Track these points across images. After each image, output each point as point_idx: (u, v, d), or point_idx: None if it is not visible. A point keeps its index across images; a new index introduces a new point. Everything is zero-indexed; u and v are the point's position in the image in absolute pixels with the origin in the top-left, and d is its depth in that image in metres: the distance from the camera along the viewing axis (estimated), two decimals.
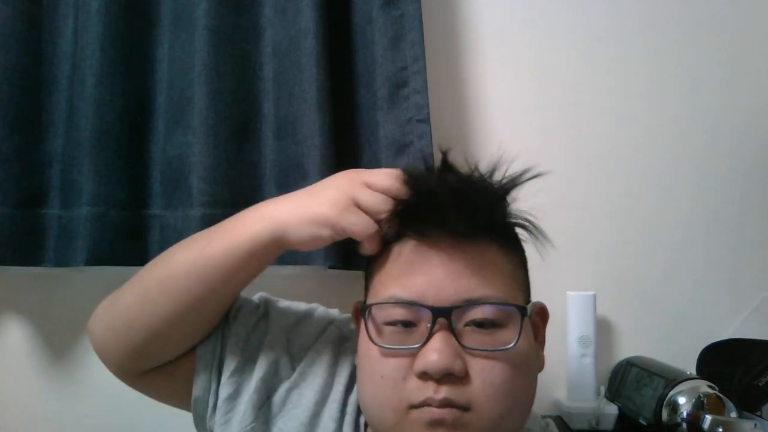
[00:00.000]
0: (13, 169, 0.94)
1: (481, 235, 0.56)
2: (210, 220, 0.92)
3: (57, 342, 1.02)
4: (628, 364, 1.00)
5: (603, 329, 1.05)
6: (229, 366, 0.65)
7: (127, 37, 0.96)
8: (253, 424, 0.62)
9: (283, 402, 0.64)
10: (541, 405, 1.02)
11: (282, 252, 0.62)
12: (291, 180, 0.95)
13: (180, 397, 0.67)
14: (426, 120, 0.94)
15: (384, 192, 0.58)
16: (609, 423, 0.94)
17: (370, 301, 0.59)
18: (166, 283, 0.62)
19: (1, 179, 0.94)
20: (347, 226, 0.57)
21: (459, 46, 1.07)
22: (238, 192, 0.95)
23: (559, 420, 0.97)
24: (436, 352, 0.53)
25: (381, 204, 0.57)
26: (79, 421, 1.01)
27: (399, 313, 0.56)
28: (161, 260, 0.65)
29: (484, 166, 0.60)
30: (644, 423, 0.89)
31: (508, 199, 0.59)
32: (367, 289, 0.62)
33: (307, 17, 0.93)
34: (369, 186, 0.58)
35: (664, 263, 1.07)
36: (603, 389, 1.02)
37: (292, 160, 0.95)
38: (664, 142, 1.09)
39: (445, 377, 0.53)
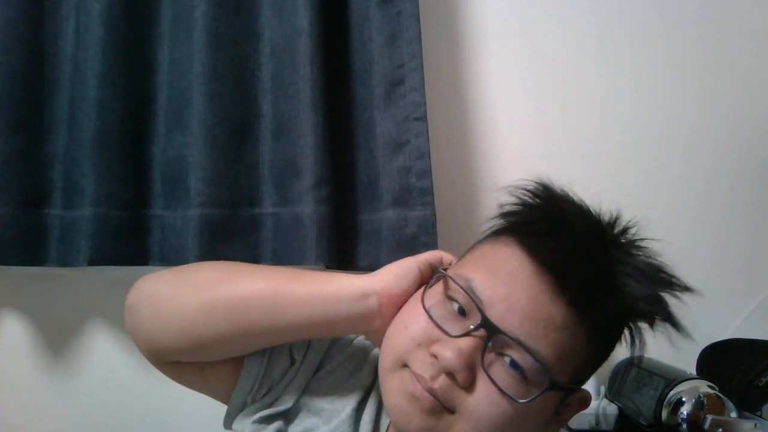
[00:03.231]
0: (16, 169, 0.95)
1: (584, 300, 0.53)
2: (208, 220, 0.93)
3: (57, 341, 1.03)
4: (628, 364, 0.99)
5: None
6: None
7: (129, 39, 0.97)
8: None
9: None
10: None
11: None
12: (286, 180, 0.95)
13: (205, 388, 0.67)
14: (423, 118, 0.93)
15: None
16: (609, 423, 0.94)
17: (453, 269, 0.58)
18: (237, 304, 0.60)
19: (3, 180, 0.94)
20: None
21: (456, 43, 1.07)
22: (236, 192, 0.95)
23: None
24: (456, 351, 0.52)
25: None
26: (79, 421, 1.01)
27: (462, 297, 0.55)
28: (234, 276, 0.63)
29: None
30: (644, 423, 0.89)
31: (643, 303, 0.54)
32: (463, 256, 0.61)
33: (302, 17, 0.93)
34: None
35: None
36: (603, 389, 1.01)
37: (287, 159, 0.95)
38: (664, 143, 1.09)
39: (448, 375, 0.52)
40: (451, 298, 0.56)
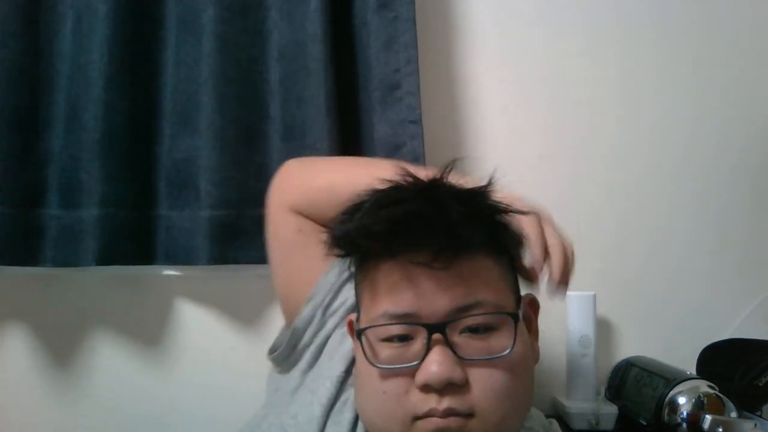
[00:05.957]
0: (11, 168, 0.94)
1: (466, 248, 0.56)
2: (217, 221, 0.95)
3: (57, 342, 1.02)
4: (628, 364, 0.99)
5: (603, 329, 1.05)
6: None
7: (134, 41, 0.97)
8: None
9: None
10: (541, 405, 1.02)
11: None
12: None
13: (296, 246, 0.77)
14: (418, 121, 0.95)
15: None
16: (609, 423, 0.94)
17: (363, 322, 0.59)
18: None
19: None
20: None
21: (452, 48, 1.08)
22: (245, 194, 0.97)
23: (559, 420, 0.97)
24: (435, 364, 0.53)
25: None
26: (78, 421, 1.01)
27: (394, 329, 0.56)
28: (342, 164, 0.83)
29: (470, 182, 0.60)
30: (644, 423, 0.89)
31: (489, 207, 0.59)
32: (358, 307, 0.62)
33: (315, 23, 0.95)
34: None
35: (665, 263, 1.07)
36: (603, 389, 1.01)
37: None
38: (666, 143, 1.09)
39: (447, 387, 0.54)
40: (385, 340, 0.57)
